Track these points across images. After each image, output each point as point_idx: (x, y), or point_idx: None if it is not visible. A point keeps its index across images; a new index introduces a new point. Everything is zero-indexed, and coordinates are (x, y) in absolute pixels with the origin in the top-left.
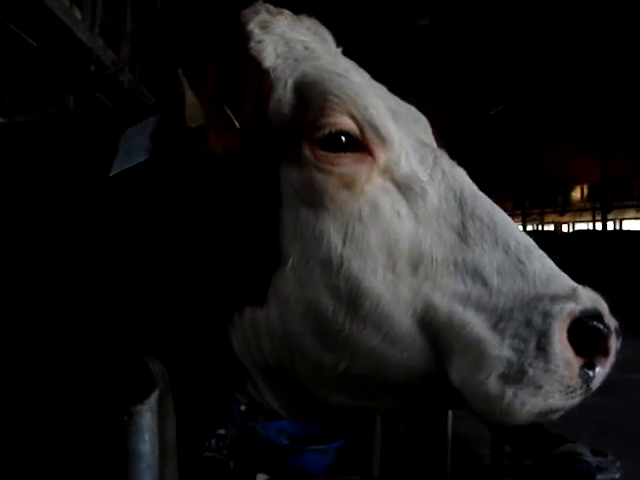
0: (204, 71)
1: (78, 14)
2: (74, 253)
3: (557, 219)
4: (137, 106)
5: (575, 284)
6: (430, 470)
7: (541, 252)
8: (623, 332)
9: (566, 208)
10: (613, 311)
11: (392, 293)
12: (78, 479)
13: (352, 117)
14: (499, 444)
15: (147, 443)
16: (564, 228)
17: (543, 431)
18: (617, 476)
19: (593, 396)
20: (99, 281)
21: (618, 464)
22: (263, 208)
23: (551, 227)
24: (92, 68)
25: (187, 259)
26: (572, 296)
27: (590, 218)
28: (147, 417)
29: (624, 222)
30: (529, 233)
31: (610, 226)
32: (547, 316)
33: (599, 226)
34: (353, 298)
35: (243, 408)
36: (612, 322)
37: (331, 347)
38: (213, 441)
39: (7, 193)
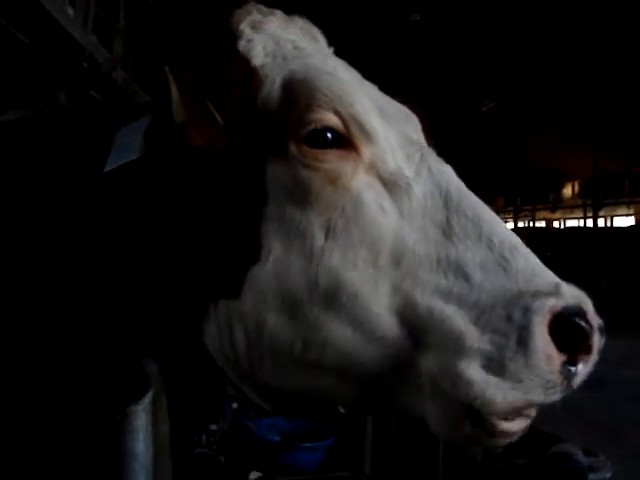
0: (185, 67)
1: (71, 11)
2: (69, 251)
3: (548, 216)
4: (132, 104)
5: (559, 280)
6: (421, 468)
7: (526, 249)
8: (612, 329)
9: (557, 205)
10: (601, 308)
11: (371, 287)
12: (73, 479)
13: (337, 113)
14: None
15: (141, 443)
16: (555, 225)
17: (535, 430)
18: (608, 476)
19: (579, 392)
20: (94, 279)
21: (609, 464)
22: (247, 203)
23: (542, 224)
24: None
25: (171, 253)
26: (554, 292)
27: (581, 215)
28: (142, 417)
29: (615, 219)
30: (521, 230)
31: (601, 223)
32: (527, 311)
33: (590, 223)
34: (331, 290)
35: (235, 405)
36: (596, 320)
37: (303, 339)
38: (204, 437)
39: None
